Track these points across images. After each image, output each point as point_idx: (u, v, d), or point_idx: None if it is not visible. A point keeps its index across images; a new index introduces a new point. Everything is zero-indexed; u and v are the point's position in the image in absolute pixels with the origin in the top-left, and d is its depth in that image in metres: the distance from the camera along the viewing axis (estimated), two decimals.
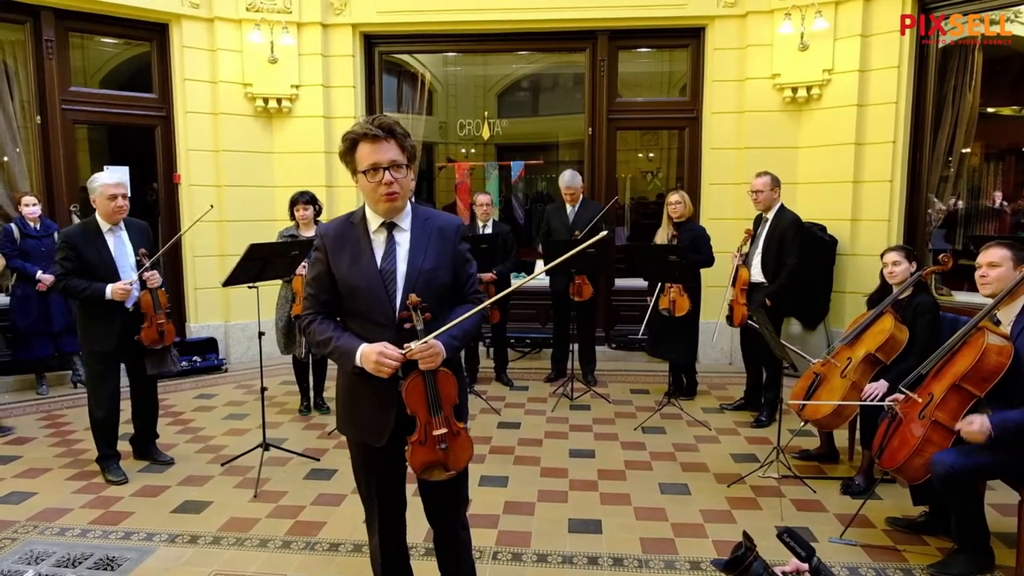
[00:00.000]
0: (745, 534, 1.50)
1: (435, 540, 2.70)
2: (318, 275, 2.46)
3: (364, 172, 2.31)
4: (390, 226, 2.41)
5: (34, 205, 6.17)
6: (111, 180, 4.40)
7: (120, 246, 4.48)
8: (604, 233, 2.46)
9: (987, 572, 3.34)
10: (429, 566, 2.96)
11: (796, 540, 1.56)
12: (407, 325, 2.32)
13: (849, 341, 4.32)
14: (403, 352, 2.27)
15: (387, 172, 2.30)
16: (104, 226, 4.43)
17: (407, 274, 2.38)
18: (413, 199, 2.51)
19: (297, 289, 5.54)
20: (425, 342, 2.26)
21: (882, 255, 4.39)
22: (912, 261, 4.28)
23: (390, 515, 2.63)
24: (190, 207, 7.35)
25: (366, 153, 2.30)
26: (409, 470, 2.49)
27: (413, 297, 2.31)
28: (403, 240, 2.42)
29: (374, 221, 2.42)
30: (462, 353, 2.69)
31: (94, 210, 4.45)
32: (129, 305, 4.46)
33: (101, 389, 4.51)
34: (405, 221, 2.44)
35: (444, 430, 2.38)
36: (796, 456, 4.88)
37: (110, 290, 4.31)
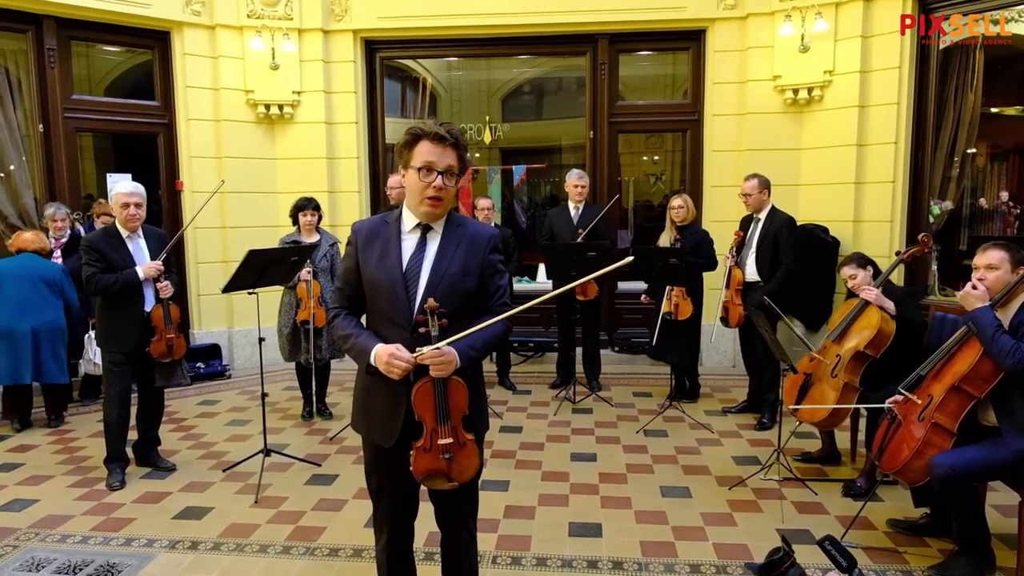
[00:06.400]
0: (783, 539, 1.47)
1: (441, 544, 2.69)
2: (347, 270, 2.50)
3: (419, 169, 2.32)
4: (424, 228, 2.43)
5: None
6: (125, 189, 4.53)
7: (139, 252, 4.59)
8: (630, 259, 2.45)
9: (988, 574, 3.32)
10: (426, 571, 2.95)
11: (838, 550, 1.53)
12: (422, 330, 2.31)
13: (836, 337, 4.35)
14: (415, 356, 2.26)
15: (440, 176, 2.32)
16: (123, 232, 4.56)
17: (430, 276, 2.38)
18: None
19: (302, 295, 5.55)
20: (438, 348, 2.26)
21: (838, 269, 4.60)
22: (867, 267, 4.45)
23: (399, 518, 2.61)
24: (193, 214, 7.34)
25: (425, 151, 2.32)
26: None
27: (431, 302, 2.30)
28: (433, 243, 2.43)
29: (409, 222, 2.44)
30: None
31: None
32: (148, 308, 4.57)
33: (114, 389, 4.59)
34: (439, 225, 2.45)
35: (450, 440, 2.36)
36: (797, 459, 4.87)
37: (142, 271, 4.46)
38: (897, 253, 4.41)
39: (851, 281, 4.45)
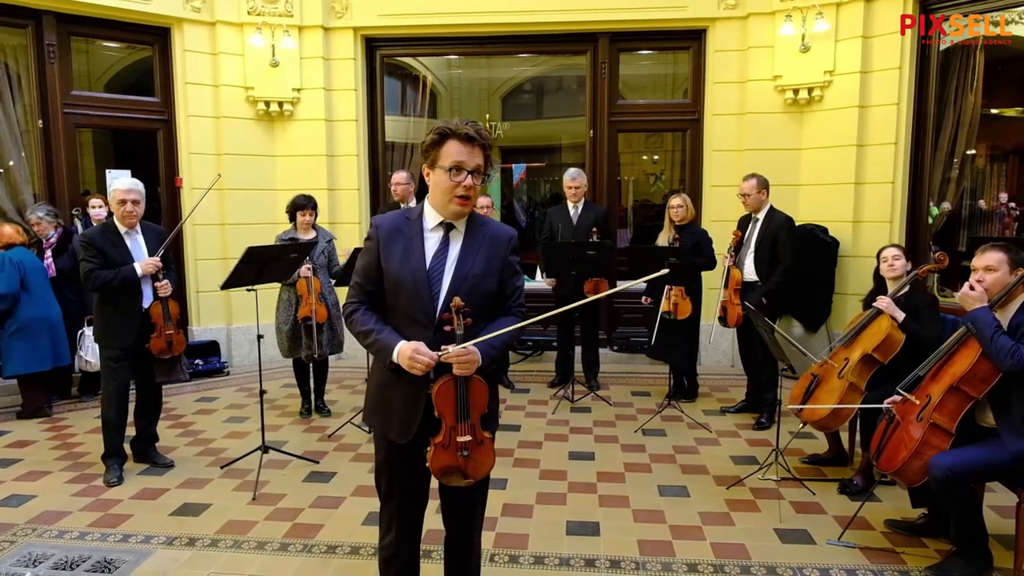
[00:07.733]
0: None
1: (447, 541, 2.69)
2: (367, 265, 2.47)
3: (449, 169, 2.32)
4: (447, 227, 2.43)
5: (100, 207, 6.39)
6: (123, 186, 4.53)
7: (137, 248, 4.58)
8: (666, 271, 2.46)
9: (985, 574, 3.32)
10: (425, 569, 2.94)
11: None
12: (447, 328, 2.32)
13: (846, 342, 4.34)
14: (439, 355, 2.27)
15: (469, 176, 2.32)
16: (122, 229, 4.55)
17: (454, 276, 2.39)
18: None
19: (302, 291, 5.55)
20: (464, 347, 2.27)
21: (879, 252, 4.48)
22: (908, 260, 4.39)
23: (410, 514, 2.60)
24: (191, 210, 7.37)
25: (454, 151, 2.32)
26: None
27: (457, 300, 2.31)
28: (456, 242, 2.43)
29: (432, 220, 2.43)
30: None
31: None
32: (146, 304, 4.56)
33: (112, 386, 4.59)
34: (461, 224, 2.45)
35: (468, 437, 2.38)
36: (805, 461, 4.86)
37: (140, 268, 4.46)
38: (910, 272, 4.39)
39: (888, 263, 4.38)
